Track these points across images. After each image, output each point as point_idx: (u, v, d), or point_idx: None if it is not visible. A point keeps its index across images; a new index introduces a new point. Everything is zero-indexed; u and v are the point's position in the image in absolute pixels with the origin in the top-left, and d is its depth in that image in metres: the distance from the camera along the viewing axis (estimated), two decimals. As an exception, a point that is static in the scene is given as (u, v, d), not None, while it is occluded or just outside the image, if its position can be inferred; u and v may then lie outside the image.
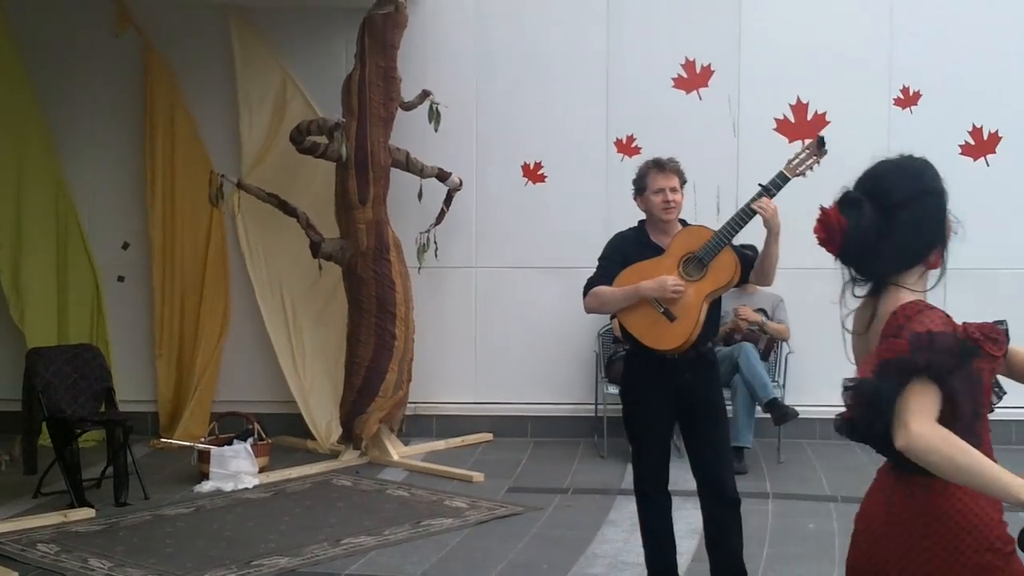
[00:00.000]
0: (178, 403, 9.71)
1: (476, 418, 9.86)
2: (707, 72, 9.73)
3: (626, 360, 6.06)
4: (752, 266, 5.76)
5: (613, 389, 9.16)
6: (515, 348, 9.88)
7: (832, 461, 8.96)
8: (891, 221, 3.15)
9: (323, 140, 8.94)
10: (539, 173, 9.82)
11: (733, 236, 5.65)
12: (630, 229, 5.94)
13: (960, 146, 9.60)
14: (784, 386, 9.17)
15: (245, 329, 9.88)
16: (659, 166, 5.77)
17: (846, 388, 3.11)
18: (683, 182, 5.85)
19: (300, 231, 9.17)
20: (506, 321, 9.88)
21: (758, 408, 8.85)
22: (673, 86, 9.75)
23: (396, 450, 9.13)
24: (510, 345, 9.88)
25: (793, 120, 9.69)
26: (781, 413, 8.67)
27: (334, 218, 9.16)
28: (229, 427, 8.99)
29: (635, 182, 5.86)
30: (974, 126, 9.59)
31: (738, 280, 5.74)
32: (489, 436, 9.76)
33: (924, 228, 3.21)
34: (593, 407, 9.62)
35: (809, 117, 9.67)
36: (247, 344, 9.90)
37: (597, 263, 5.83)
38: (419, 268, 9.47)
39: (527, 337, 9.86)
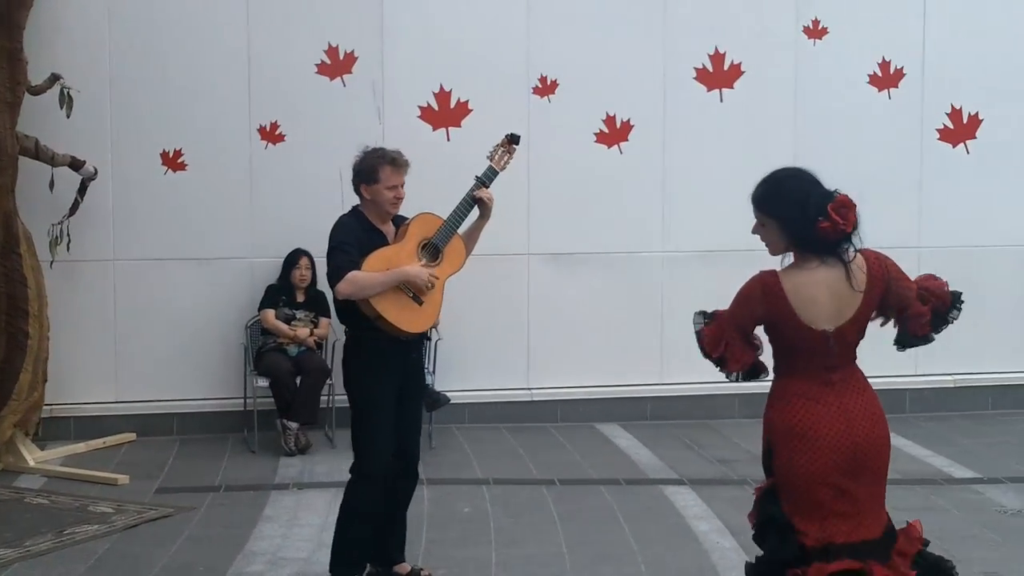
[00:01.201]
0: None
1: (118, 417, 9.40)
2: (350, 59, 9.65)
3: (356, 345, 5.95)
4: None
5: (263, 382, 8.99)
6: (157, 343, 9.49)
7: (482, 445, 9.10)
8: None
9: (-59, 126, 8.33)
10: (179, 161, 9.47)
11: (461, 223, 5.99)
12: (349, 216, 5.99)
13: (595, 134, 9.93)
14: (434, 372, 9.21)
15: None
16: (394, 163, 5.89)
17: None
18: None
19: (-82, 224, 8.51)
20: (147, 315, 9.48)
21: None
22: (316, 72, 9.62)
23: (32, 455, 8.57)
24: (152, 340, 9.48)
25: (437, 108, 9.75)
26: (433, 400, 8.72)
27: (-43, 210, 8.54)
28: None
29: (361, 172, 5.92)
30: (608, 115, 9.92)
31: None
32: (132, 436, 9.32)
33: None
34: (242, 401, 9.37)
35: (452, 105, 9.77)
36: None
37: (333, 249, 5.79)
38: (52, 262, 8.94)
39: (170, 331, 9.50)
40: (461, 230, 6.07)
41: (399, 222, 6.01)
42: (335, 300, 5.91)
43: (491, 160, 6.17)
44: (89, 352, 9.39)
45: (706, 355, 4.42)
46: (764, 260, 10.41)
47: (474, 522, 7.12)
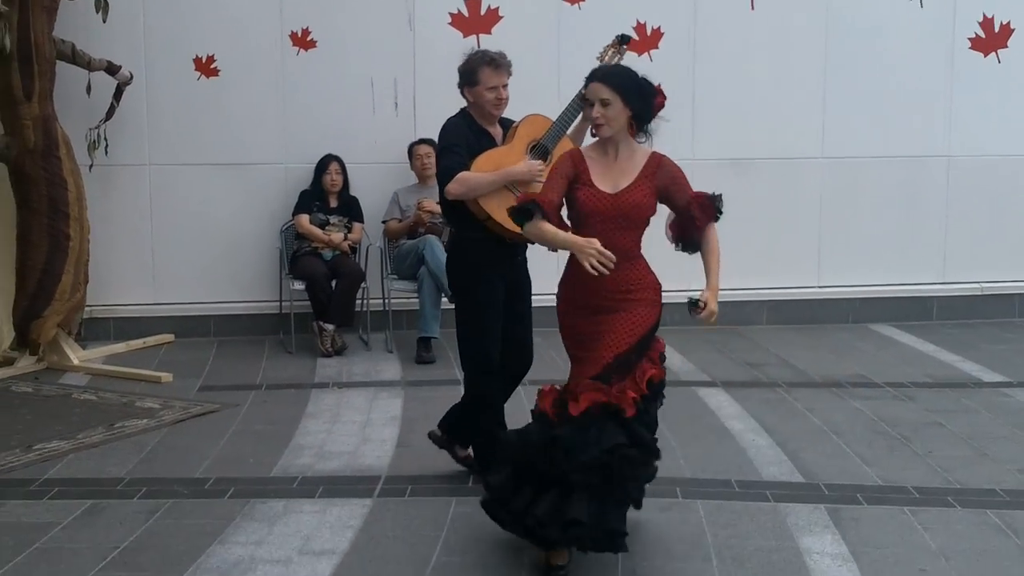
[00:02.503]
0: None
1: (156, 319, 9.58)
2: (381, -35, 9.67)
3: (466, 246, 5.98)
4: None
5: (299, 285, 9.10)
6: (194, 247, 9.62)
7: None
8: None
9: (-18, 31, 8.37)
10: (212, 67, 9.52)
11: (570, 125, 5.91)
12: (457, 117, 6.00)
13: (626, 41, 9.92)
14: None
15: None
16: (493, 64, 5.86)
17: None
18: (510, 75, 5.96)
19: (-43, 128, 8.60)
20: (183, 219, 9.59)
21: (444, 300, 8.97)
22: (347, -22, 9.65)
23: (75, 354, 8.74)
24: (188, 244, 9.61)
25: (467, 15, 9.77)
26: None
27: (-5, 115, 8.62)
28: None
29: (464, 74, 5.94)
30: (638, 22, 9.91)
31: None
32: (170, 337, 9.50)
33: None
34: (278, 304, 9.52)
35: (482, 12, 9.78)
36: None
37: (443, 151, 5.87)
38: (91, 166, 9.05)
39: (206, 235, 9.62)
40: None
41: (507, 125, 6.01)
42: (443, 201, 5.93)
43: (600, 61, 6.02)
44: (127, 255, 9.54)
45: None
46: (794, 168, 10.51)
47: (511, 417, 7.19)
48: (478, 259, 5.90)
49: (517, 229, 5.63)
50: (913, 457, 6.47)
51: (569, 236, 4.90)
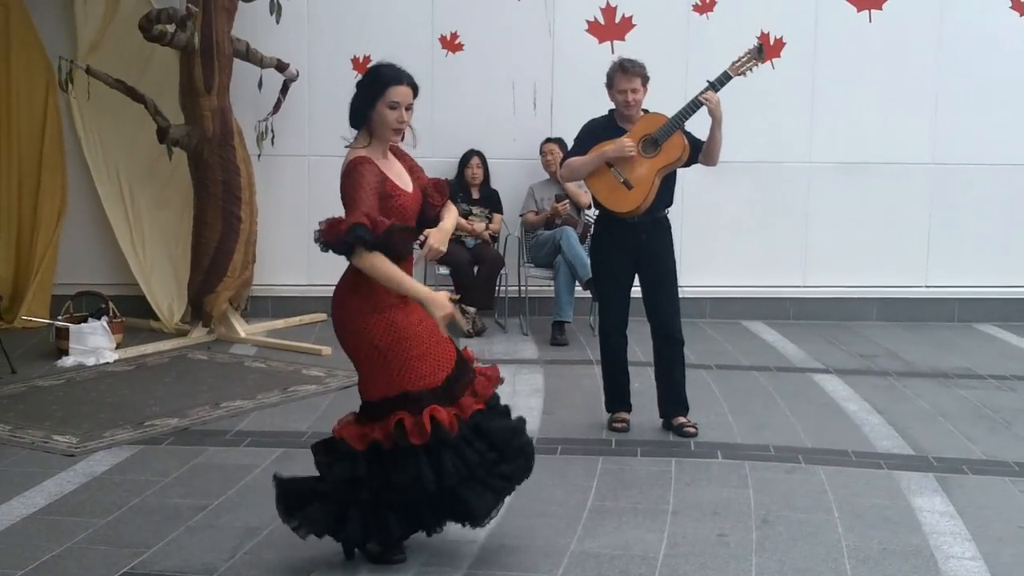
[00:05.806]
0: (18, 285, 9.92)
1: (310, 299, 10.42)
2: (524, -26, 10.41)
3: (595, 224, 7.14)
4: (700, 150, 6.80)
5: (443, 270, 9.86)
6: (345, 232, 10.40)
7: (641, 336, 9.84)
8: None
9: (170, 29, 9.22)
10: (367, 66, 10.30)
11: (683, 122, 6.64)
12: (601, 116, 6.92)
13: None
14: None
15: (85, 213, 10.13)
16: (623, 69, 6.72)
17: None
18: (645, 80, 6.77)
19: (137, 117, 9.53)
20: (338, 207, 10.19)
21: (578, 287, 9.70)
22: (493, -14, 10.39)
23: (242, 328, 9.63)
24: (340, 229, 10.40)
25: (603, 22, 10.48)
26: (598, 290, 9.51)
27: (169, 105, 9.49)
28: (77, 306, 9.39)
29: (606, 78, 6.82)
30: (762, 32, 10.51)
31: (687, 159, 6.74)
32: (323, 316, 10.32)
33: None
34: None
35: (617, 20, 10.48)
36: (87, 227, 10.18)
37: (572, 145, 6.94)
38: (259, 155, 9.92)
39: (358, 222, 10.40)
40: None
41: None
42: None
43: (730, 66, 6.68)
44: (286, 238, 10.35)
45: None
46: (904, 172, 10.95)
47: (644, 395, 7.84)
48: (604, 237, 6.94)
49: (614, 207, 6.70)
50: (1014, 438, 7.06)
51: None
